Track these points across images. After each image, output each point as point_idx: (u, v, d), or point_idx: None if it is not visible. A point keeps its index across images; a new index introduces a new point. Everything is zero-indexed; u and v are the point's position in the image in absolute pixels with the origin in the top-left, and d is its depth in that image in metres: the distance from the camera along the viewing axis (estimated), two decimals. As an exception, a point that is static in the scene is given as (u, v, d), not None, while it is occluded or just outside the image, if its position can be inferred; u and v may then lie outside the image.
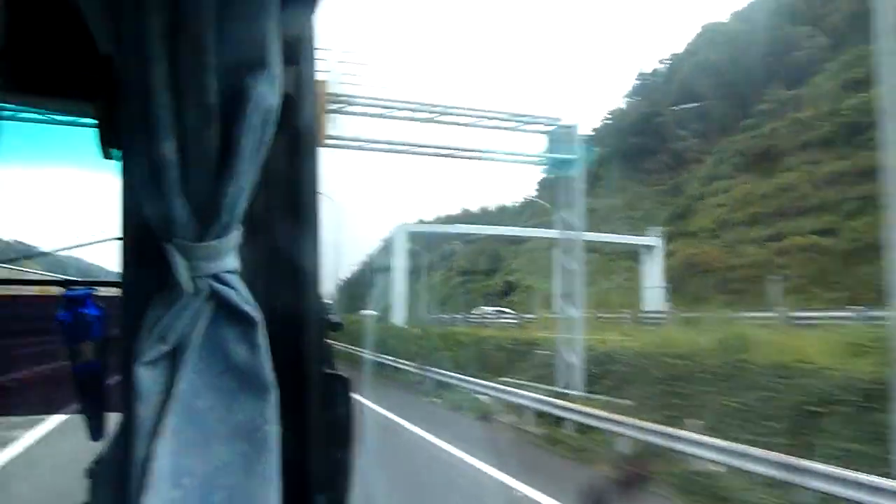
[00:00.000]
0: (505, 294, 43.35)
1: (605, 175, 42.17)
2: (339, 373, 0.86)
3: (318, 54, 0.86)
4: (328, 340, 0.87)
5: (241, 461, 0.67)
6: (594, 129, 49.81)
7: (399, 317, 29.48)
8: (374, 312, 33.11)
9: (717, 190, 37.47)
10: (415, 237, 35.53)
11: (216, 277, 0.68)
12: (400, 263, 28.57)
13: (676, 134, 45.42)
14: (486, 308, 35.71)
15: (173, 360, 0.66)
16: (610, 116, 56.41)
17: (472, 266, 53.99)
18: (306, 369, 0.80)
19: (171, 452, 0.63)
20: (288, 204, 0.81)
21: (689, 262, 32.74)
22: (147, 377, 0.65)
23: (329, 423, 0.83)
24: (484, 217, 60.79)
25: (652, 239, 31.97)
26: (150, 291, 0.69)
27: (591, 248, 24.89)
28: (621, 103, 58.51)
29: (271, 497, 0.67)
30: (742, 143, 37.92)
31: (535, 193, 46.63)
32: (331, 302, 1.03)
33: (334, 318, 0.89)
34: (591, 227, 23.68)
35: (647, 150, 46.12)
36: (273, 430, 0.69)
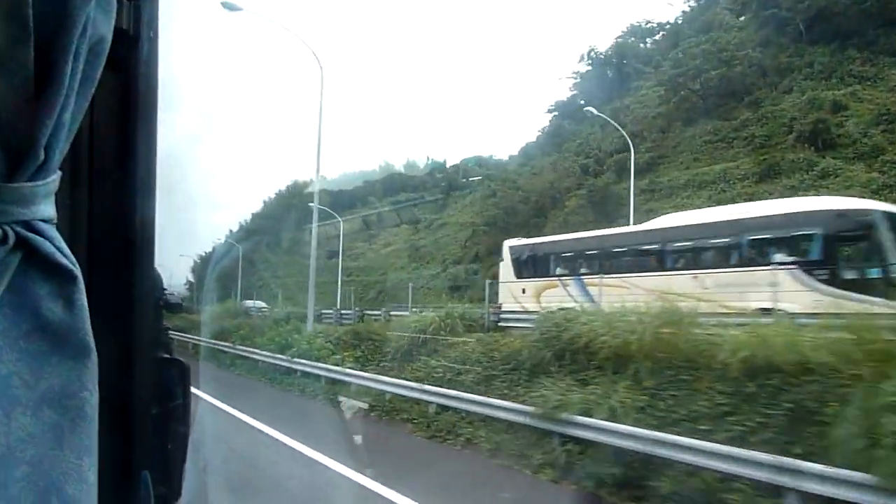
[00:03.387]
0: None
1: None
2: (177, 358, 0.84)
3: None
4: (163, 321, 0.82)
5: (49, 432, 0.60)
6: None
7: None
8: (262, 304, 31.44)
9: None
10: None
11: (27, 225, 0.60)
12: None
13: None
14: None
15: None
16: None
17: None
18: (135, 343, 0.73)
19: None
20: (119, 154, 0.73)
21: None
22: None
23: (162, 406, 0.80)
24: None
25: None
26: None
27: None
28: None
29: (86, 470, 0.61)
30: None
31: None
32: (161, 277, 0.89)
33: (172, 297, 0.84)
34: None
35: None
36: (91, 399, 0.62)
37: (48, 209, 0.61)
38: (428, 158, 69.72)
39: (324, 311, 23.69)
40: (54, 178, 0.62)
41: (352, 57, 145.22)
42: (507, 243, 21.10)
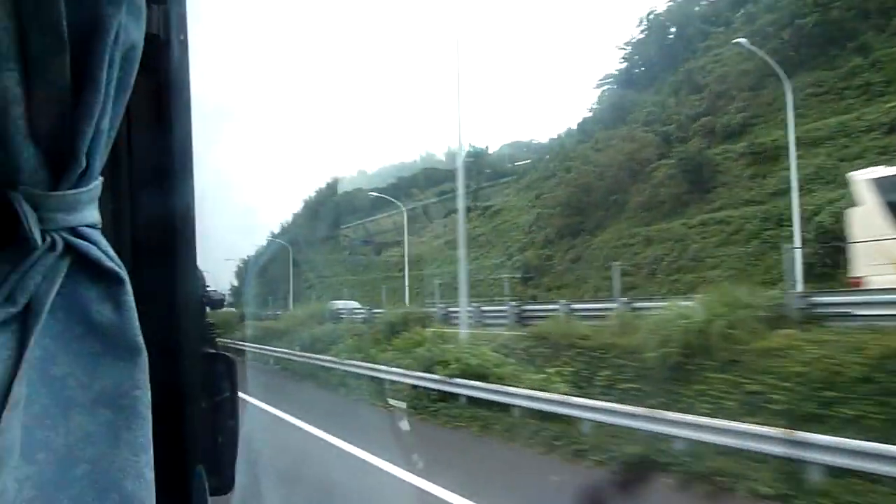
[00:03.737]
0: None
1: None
2: (222, 352, 0.86)
3: None
4: (207, 318, 0.84)
5: (105, 430, 0.62)
6: None
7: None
8: (354, 305, 26.66)
9: None
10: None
11: (73, 231, 0.62)
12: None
13: None
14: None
15: (24, 323, 0.60)
16: None
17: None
18: (182, 340, 0.75)
19: (23, 425, 0.59)
20: (156, 157, 0.75)
21: None
22: None
23: (211, 400, 0.81)
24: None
25: None
26: None
27: None
28: None
29: (143, 466, 0.63)
30: None
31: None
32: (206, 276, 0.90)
33: (215, 294, 0.86)
34: None
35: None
36: (144, 396, 0.64)
37: (93, 214, 0.63)
38: (470, 146, 67.04)
39: (450, 310, 17.89)
40: (97, 184, 0.63)
41: (383, 47, 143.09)
42: (865, 175, 11.88)
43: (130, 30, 0.62)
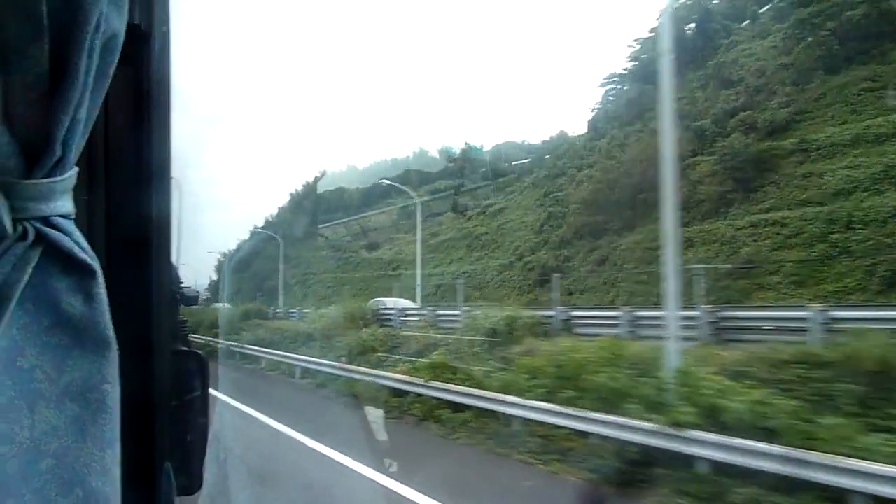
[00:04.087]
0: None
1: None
2: (194, 350, 0.83)
3: None
4: (180, 315, 0.82)
5: (72, 424, 0.61)
6: None
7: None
8: (407, 303, 22.52)
9: None
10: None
11: (45, 221, 0.60)
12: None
13: None
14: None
15: None
16: None
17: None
18: (153, 336, 0.74)
19: None
20: (134, 149, 0.73)
21: None
22: None
23: (181, 398, 0.79)
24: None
25: None
26: None
27: None
28: None
29: (109, 462, 0.61)
30: None
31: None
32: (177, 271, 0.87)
33: (188, 290, 0.83)
34: None
35: None
36: (113, 391, 0.63)
37: (66, 205, 0.62)
38: (465, 144, 64.42)
39: (573, 315, 14.03)
40: (71, 174, 0.62)
41: (377, 40, 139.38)
42: None
43: (112, 19, 0.60)
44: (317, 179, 64.31)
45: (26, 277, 0.59)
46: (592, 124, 46.64)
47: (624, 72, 49.38)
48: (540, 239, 36.72)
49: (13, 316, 0.58)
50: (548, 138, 60.39)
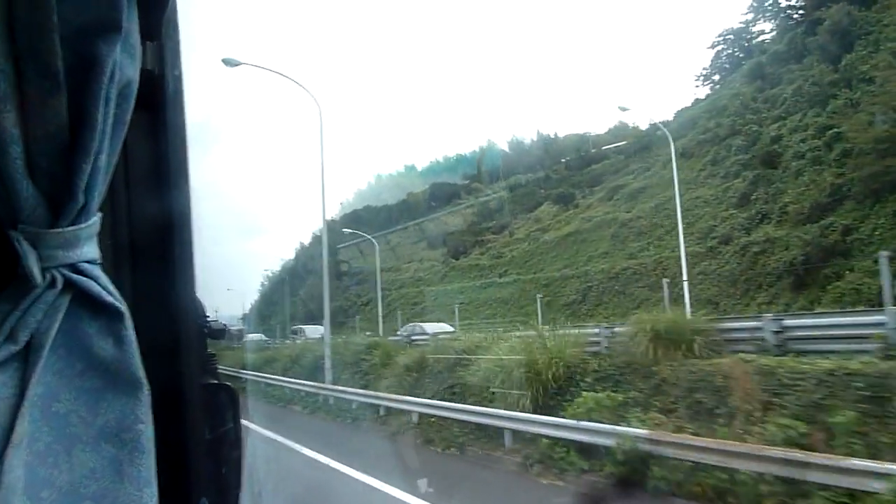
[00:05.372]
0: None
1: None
2: (225, 383, 0.83)
3: (188, 31, 0.77)
4: (208, 349, 0.81)
5: (109, 466, 0.62)
6: None
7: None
8: (444, 327, 20.34)
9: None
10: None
11: (73, 268, 0.62)
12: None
13: None
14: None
15: (25, 361, 0.61)
16: None
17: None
18: (183, 372, 0.74)
19: (26, 463, 0.59)
20: (155, 191, 0.74)
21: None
22: None
23: (214, 432, 0.79)
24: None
25: None
26: None
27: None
28: None
29: (146, 501, 0.62)
30: None
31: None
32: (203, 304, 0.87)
33: (215, 323, 0.84)
34: None
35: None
36: (146, 430, 0.63)
37: (92, 250, 0.63)
38: (537, 133, 59.62)
39: (729, 327, 9.95)
40: (95, 220, 0.63)
41: (444, 37, 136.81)
42: None
43: (125, 67, 0.62)
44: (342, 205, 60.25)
45: (57, 324, 0.60)
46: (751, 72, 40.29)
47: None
48: (747, 214, 28.63)
49: (47, 362, 0.60)
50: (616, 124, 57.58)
